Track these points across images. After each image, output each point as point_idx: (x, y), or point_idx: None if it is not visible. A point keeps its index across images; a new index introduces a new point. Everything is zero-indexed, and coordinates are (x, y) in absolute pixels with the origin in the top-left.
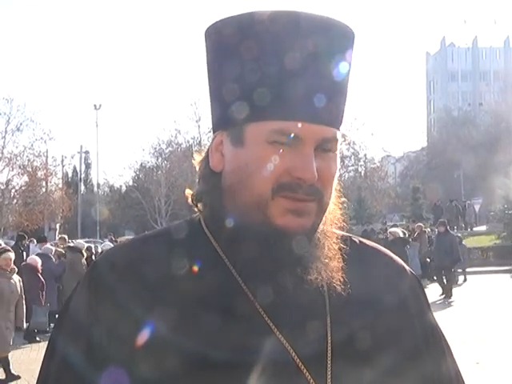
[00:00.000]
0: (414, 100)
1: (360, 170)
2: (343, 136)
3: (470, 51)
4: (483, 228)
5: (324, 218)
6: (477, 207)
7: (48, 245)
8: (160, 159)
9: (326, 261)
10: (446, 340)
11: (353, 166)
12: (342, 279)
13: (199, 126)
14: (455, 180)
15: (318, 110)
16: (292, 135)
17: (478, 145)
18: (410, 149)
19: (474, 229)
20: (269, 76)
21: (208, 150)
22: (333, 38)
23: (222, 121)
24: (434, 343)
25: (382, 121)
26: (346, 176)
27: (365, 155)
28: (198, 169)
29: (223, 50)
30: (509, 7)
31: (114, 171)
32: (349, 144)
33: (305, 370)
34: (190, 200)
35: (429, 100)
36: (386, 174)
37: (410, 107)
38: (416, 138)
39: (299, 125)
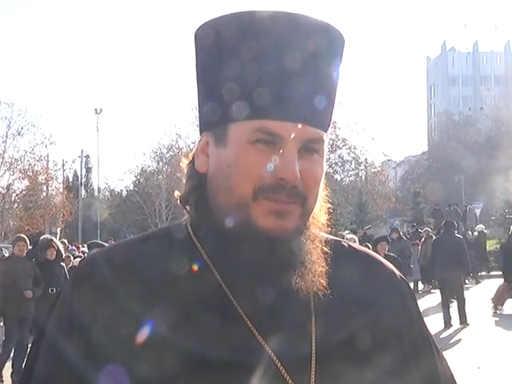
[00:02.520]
0: (414, 104)
1: (361, 174)
2: (344, 140)
3: (470, 55)
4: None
5: (308, 222)
6: (478, 211)
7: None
8: (161, 163)
9: (309, 265)
10: (435, 345)
11: (353, 170)
12: (325, 283)
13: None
14: (456, 184)
15: (302, 109)
16: (274, 134)
17: (479, 149)
18: (410, 153)
19: (475, 233)
20: (254, 75)
21: (194, 152)
22: (323, 41)
23: (208, 122)
24: (424, 349)
25: (383, 125)
26: (347, 180)
27: (365, 159)
28: (185, 171)
29: (207, 51)
30: (509, 12)
31: (115, 175)
32: (349, 148)
33: (286, 375)
34: (178, 202)
35: (429, 104)
36: (386, 179)
37: (410, 111)
38: (417, 142)
39: (282, 124)
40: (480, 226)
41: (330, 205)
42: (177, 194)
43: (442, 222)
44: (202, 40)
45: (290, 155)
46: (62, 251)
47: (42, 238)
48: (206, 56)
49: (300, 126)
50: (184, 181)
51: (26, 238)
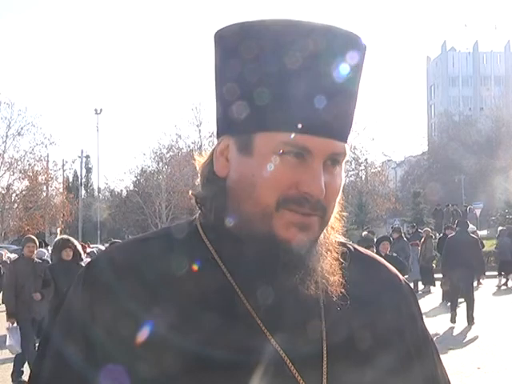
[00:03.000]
0: (414, 104)
1: (361, 174)
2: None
3: (470, 56)
4: (484, 233)
5: (325, 231)
6: (478, 212)
7: (43, 249)
8: (161, 164)
9: (326, 275)
10: (436, 349)
11: (353, 170)
12: (339, 290)
13: (200, 131)
14: (456, 184)
15: (330, 123)
16: (302, 148)
17: (479, 149)
18: (410, 153)
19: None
20: (282, 85)
21: (212, 153)
22: (348, 50)
23: (230, 126)
24: (426, 351)
25: (383, 125)
26: (347, 181)
27: (365, 160)
28: (200, 171)
29: (234, 54)
30: (509, 12)
31: (115, 176)
32: (349, 149)
33: (297, 374)
34: (194, 201)
35: (429, 104)
36: (386, 179)
37: (410, 112)
38: (417, 143)
39: (311, 138)
40: (471, 227)
41: (345, 213)
42: (191, 194)
43: (441, 223)
44: (227, 43)
45: (317, 170)
46: (81, 251)
47: (57, 238)
48: (231, 61)
49: (328, 140)
50: (200, 180)
51: (35, 238)
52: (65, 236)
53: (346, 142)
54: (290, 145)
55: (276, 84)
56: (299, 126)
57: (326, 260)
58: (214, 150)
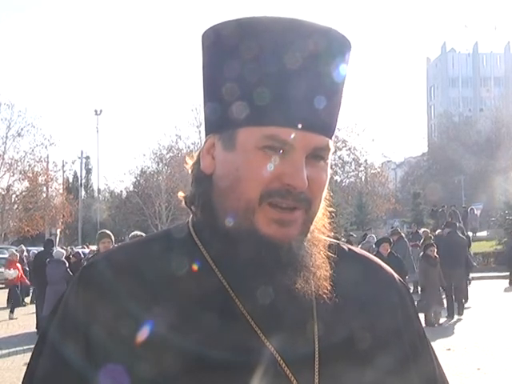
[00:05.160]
0: (414, 105)
1: (361, 175)
2: (344, 141)
3: (470, 57)
4: (484, 233)
5: (312, 227)
6: (477, 212)
7: (59, 248)
8: (160, 164)
9: (314, 269)
10: (432, 348)
11: (353, 171)
12: (329, 287)
13: (200, 132)
14: (456, 185)
15: (312, 117)
16: (284, 142)
17: (479, 150)
18: (410, 154)
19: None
20: (263, 80)
21: (199, 152)
22: (330, 46)
23: (215, 124)
24: (423, 351)
25: (383, 126)
26: (347, 181)
27: (365, 161)
28: (190, 171)
29: (219, 52)
30: (509, 13)
31: (115, 176)
32: (349, 150)
33: (290, 374)
34: (183, 202)
35: (429, 105)
36: (386, 180)
37: (410, 113)
38: (417, 144)
39: (292, 132)
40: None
41: (332, 208)
42: (180, 194)
43: (438, 223)
44: (211, 42)
45: (299, 162)
46: None
47: (132, 234)
48: (215, 60)
49: (309, 134)
50: (190, 181)
51: (110, 234)
52: (138, 233)
53: (330, 137)
54: (272, 138)
55: (260, 81)
56: (281, 120)
57: (314, 255)
58: (201, 149)
